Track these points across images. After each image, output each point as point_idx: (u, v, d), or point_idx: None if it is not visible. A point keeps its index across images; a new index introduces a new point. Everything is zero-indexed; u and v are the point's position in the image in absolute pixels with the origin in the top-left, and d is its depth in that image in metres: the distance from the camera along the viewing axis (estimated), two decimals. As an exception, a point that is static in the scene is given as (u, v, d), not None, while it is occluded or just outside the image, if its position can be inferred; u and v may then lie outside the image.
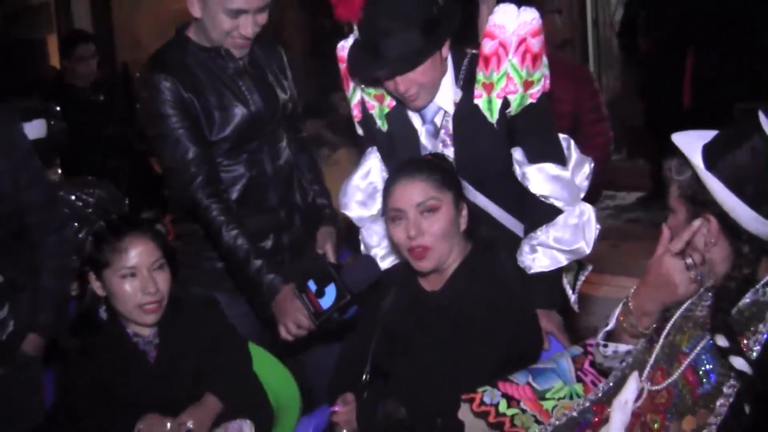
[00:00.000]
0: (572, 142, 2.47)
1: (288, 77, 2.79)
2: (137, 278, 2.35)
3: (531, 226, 2.43)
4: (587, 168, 2.46)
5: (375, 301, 2.33)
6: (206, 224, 2.54)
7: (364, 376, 2.22)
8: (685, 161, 1.74)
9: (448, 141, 2.44)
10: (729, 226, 1.71)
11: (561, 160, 2.40)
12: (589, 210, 2.42)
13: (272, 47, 2.75)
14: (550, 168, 2.36)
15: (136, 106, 4.86)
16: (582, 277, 2.59)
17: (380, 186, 2.55)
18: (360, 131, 2.65)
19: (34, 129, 3.13)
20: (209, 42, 2.56)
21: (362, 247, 2.71)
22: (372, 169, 2.64)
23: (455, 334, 2.13)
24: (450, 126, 2.41)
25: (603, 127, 3.75)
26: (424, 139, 2.46)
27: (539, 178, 2.36)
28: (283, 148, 2.77)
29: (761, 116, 1.66)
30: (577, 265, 2.57)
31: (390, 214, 2.22)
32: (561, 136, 2.46)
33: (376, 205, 2.61)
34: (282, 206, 2.73)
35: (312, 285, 2.31)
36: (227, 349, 2.49)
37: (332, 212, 2.81)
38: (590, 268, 2.61)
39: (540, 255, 2.40)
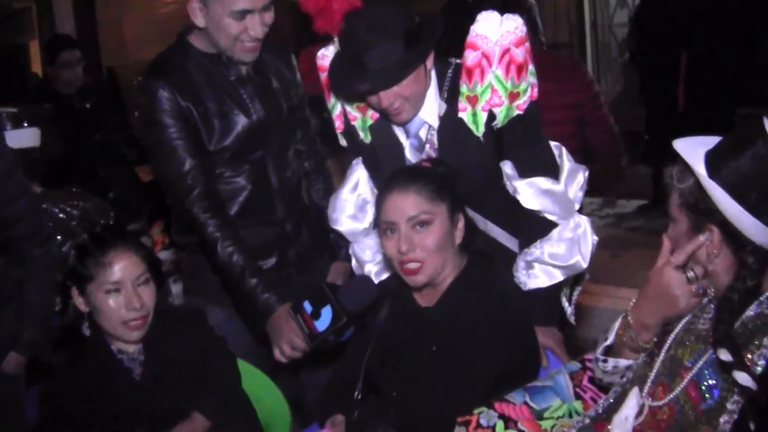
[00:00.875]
0: (564, 150, 2.43)
1: (297, 83, 2.74)
2: (121, 293, 2.32)
3: (525, 242, 2.40)
4: (581, 177, 2.41)
5: (371, 320, 2.33)
6: (201, 239, 2.51)
7: (356, 394, 2.20)
8: (686, 168, 1.71)
9: (434, 155, 2.41)
10: (732, 236, 1.69)
11: (552, 172, 2.36)
12: (584, 222, 2.39)
13: (281, 51, 2.71)
14: (541, 182, 2.32)
15: (124, 113, 4.91)
16: (579, 288, 2.58)
17: (370, 198, 2.55)
18: (343, 142, 2.61)
19: (26, 137, 3.09)
20: (216, 49, 2.53)
21: (353, 262, 2.67)
22: (360, 181, 2.59)
23: (450, 351, 2.11)
24: (435, 140, 2.39)
25: (606, 114, 3.65)
26: (409, 153, 2.43)
27: (530, 193, 2.33)
28: (290, 158, 2.72)
29: (766, 123, 1.64)
30: (570, 278, 2.55)
31: (382, 226, 2.19)
32: (553, 144, 2.42)
33: (368, 217, 2.59)
34: (288, 219, 2.70)
35: (308, 306, 2.30)
36: (215, 365, 2.47)
37: (346, 249, 2.74)
38: (587, 278, 2.59)
39: (536, 271, 2.38)
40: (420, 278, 2.14)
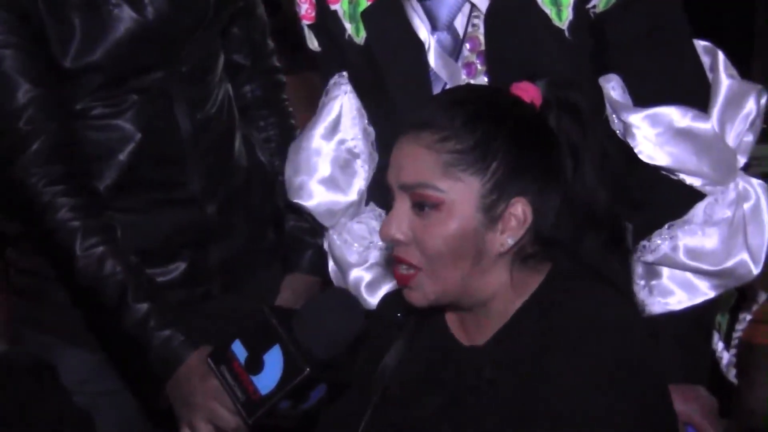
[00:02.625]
0: (721, 57, 1.95)
1: None
2: None
3: (644, 227, 1.95)
4: (752, 104, 1.92)
5: (366, 368, 1.88)
6: (43, 234, 2.08)
7: None
8: None
9: (478, 64, 1.97)
10: None
11: (697, 98, 1.90)
12: (755, 190, 1.92)
13: None
14: (674, 115, 1.86)
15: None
16: (746, 317, 2.30)
17: (361, 147, 2.15)
18: (314, 44, 2.15)
19: None
20: None
21: (330, 264, 2.20)
22: (343, 115, 2.14)
23: (517, 428, 1.67)
24: (481, 35, 1.95)
25: None
26: (434, 60, 1.98)
27: (653, 135, 1.88)
28: (214, 83, 2.28)
29: None
30: (735, 293, 2.27)
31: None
32: (701, 45, 1.95)
33: (356, 183, 2.16)
34: (209, 195, 2.23)
35: (240, 350, 1.87)
36: None
37: (317, 246, 2.32)
38: (764, 298, 2.35)
39: (664, 282, 1.93)
40: (415, 296, 1.75)
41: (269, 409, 1.84)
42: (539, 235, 1.70)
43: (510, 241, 1.67)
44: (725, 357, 2.24)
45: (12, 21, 2.02)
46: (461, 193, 1.65)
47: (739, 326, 2.26)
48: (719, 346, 2.24)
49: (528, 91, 1.70)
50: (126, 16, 2.10)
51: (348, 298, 1.93)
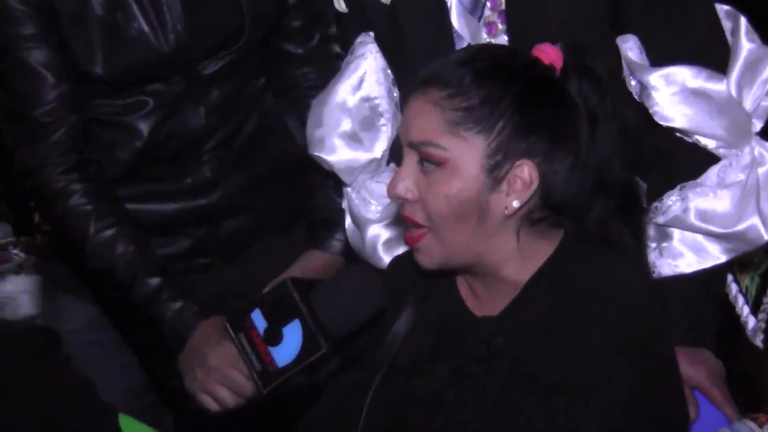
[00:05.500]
0: (743, 21, 1.97)
1: None
2: None
3: (657, 188, 1.97)
4: None
5: (375, 339, 1.91)
6: (57, 218, 2.16)
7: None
8: None
9: (498, 22, 2.01)
10: None
11: (713, 59, 1.93)
12: None
13: None
14: (688, 76, 1.90)
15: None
16: None
17: (385, 105, 2.17)
18: (341, 5, 2.17)
19: None
20: None
21: (348, 222, 2.23)
22: (367, 74, 2.15)
23: (524, 403, 1.66)
24: None
25: None
26: (456, 19, 2.02)
27: (667, 95, 1.91)
28: (241, 82, 2.30)
29: None
30: (767, 260, 2.18)
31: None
32: (723, 9, 1.97)
33: (380, 141, 2.17)
34: (216, 186, 2.29)
35: (259, 320, 1.90)
36: (74, 427, 1.96)
37: (343, 227, 2.31)
38: None
39: (675, 244, 1.96)
40: (422, 258, 1.75)
41: (285, 381, 1.88)
42: (547, 200, 1.71)
43: (515, 204, 1.67)
44: (751, 322, 2.15)
45: (41, 20, 2.08)
46: (465, 152, 1.66)
47: None
48: (744, 310, 2.17)
49: (549, 54, 1.71)
50: (147, 40, 2.16)
51: (370, 277, 1.94)
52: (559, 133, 1.68)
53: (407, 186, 1.69)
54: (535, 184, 1.65)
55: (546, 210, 1.70)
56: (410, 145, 1.70)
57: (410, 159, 1.70)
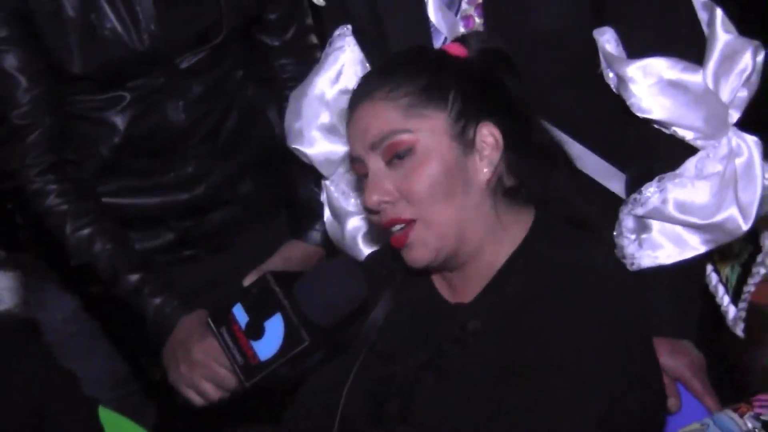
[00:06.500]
0: (719, 13, 1.98)
1: None
2: None
3: (636, 180, 1.99)
4: (747, 60, 1.94)
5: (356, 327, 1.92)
6: (35, 218, 2.18)
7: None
8: None
9: (475, 16, 2.02)
10: None
11: (689, 50, 1.94)
12: (749, 146, 1.94)
13: None
14: (664, 67, 1.91)
15: None
16: (759, 273, 2.15)
17: None
18: None
19: None
20: None
21: (327, 215, 2.25)
22: (345, 66, 2.17)
23: (503, 388, 1.66)
24: None
25: None
26: (433, 13, 2.04)
27: (645, 86, 1.93)
28: (221, 75, 2.31)
29: None
30: (749, 248, 2.16)
31: (352, 166, 1.87)
32: (698, 1, 1.99)
33: None
34: (199, 179, 2.31)
35: (240, 314, 1.89)
36: (54, 418, 2.02)
37: (323, 223, 2.32)
38: None
39: (654, 236, 1.96)
40: (416, 255, 1.75)
41: (268, 374, 1.88)
42: (513, 164, 1.75)
43: (490, 167, 1.72)
44: (732, 311, 2.14)
45: (15, 23, 2.09)
46: (431, 127, 1.71)
47: (752, 280, 2.17)
48: (725, 300, 2.16)
49: (453, 49, 1.79)
50: (121, 40, 2.16)
51: (351, 268, 1.94)
52: (501, 98, 1.75)
53: (383, 189, 1.72)
54: (501, 143, 1.70)
55: (514, 176, 1.74)
56: (372, 147, 1.72)
57: (375, 165, 1.73)
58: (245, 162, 2.37)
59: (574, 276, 1.72)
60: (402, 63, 1.79)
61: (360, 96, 1.78)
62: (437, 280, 1.84)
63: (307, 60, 2.40)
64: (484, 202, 1.75)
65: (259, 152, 2.40)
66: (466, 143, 1.72)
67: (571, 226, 1.82)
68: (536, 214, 1.80)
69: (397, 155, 1.72)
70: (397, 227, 1.72)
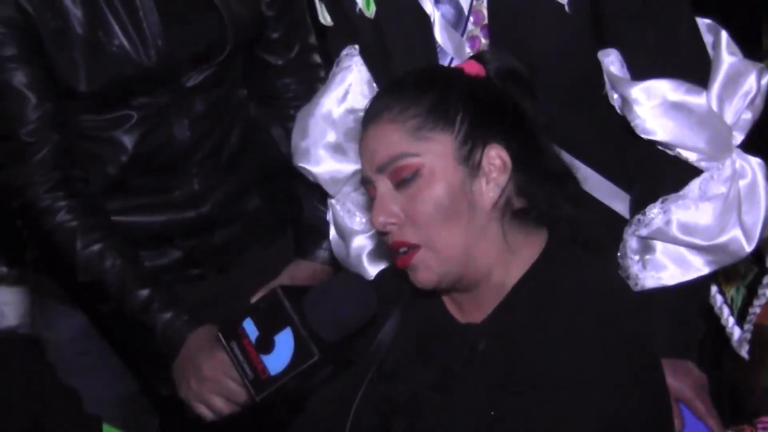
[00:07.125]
0: (724, 35, 1.98)
1: None
2: None
3: (640, 201, 1.98)
4: (752, 82, 1.93)
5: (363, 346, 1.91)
6: (44, 235, 2.16)
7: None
8: None
9: (481, 37, 2.01)
10: None
11: (693, 72, 1.93)
12: (752, 168, 1.93)
13: None
14: (668, 88, 1.91)
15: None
16: (765, 295, 2.17)
17: None
18: (326, 19, 2.18)
19: None
20: None
21: (332, 233, 2.23)
22: (353, 86, 2.17)
23: (512, 408, 1.67)
24: (485, 9, 1.99)
25: None
26: (439, 32, 2.03)
27: (648, 108, 1.92)
28: (225, 93, 2.32)
29: None
30: (754, 269, 2.18)
31: (364, 186, 1.87)
32: (704, 23, 1.98)
33: None
34: (204, 197, 2.31)
35: (251, 329, 1.89)
36: None
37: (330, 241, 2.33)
38: None
39: (658, 257, 1.95)
40: (421, 277, 1.75)
41: (278, 388, 1.88)
42: (522, 186, 1.74)
43: (496, 190, 1.71)
44: (737, 333, 2.13)
45: (23, 41, 2.09)
46: (436, 150, 1.70)
47: (758, 302, 2.16)
48: (730, 321, 2.16)
49: (470, 66, 1.78)
50: (128, 56, 2.16)
51: (362, 284, 1.95)
52: (511, 119, 1.73)
53: (389, 211, 1.72)
54: (509, 165, 1.69)
55: (522, 197, 1.74)
56: (380, 170, 1.72)
57: (383, 187, 1.73)
58: (250, 178, 2.37)
59: (587, 297, 1.72)
60: (411, 83, 1.79)
61: (370, 117, 1.79)
62: (447, 300, 1.83)
63: (311, 79, 2.41)
64: (490, 224, 1.74)
65: (263, 168, 2.39)
66: (473, 166, 1.72)
67: (585, 249, 1.82)
68: (549, 236, 1.80)
69: (404, 179, 1.74)
70: (403, 249, 1.73)
